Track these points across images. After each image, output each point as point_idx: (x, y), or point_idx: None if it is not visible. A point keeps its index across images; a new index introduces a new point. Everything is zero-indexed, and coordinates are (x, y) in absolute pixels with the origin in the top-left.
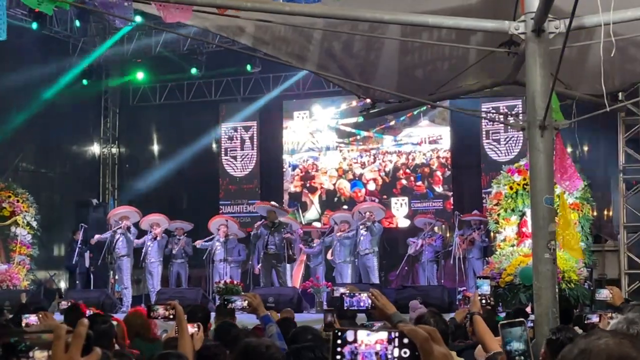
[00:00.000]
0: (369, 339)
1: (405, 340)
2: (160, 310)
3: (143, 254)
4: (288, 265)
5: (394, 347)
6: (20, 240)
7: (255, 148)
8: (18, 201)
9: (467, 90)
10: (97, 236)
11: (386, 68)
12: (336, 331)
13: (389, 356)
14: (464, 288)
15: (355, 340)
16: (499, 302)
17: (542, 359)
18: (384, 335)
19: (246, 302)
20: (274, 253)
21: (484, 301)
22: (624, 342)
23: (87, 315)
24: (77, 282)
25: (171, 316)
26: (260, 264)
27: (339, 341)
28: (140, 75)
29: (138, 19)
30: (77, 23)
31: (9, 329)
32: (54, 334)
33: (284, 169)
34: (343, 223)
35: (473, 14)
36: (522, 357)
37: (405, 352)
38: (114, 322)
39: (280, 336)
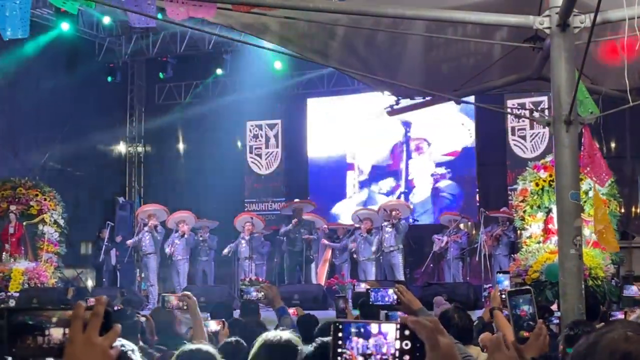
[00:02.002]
0: (370, 331)
1: (407, 332)
2: (174, 300)
3: (169, 252)
4: (313, 263)
5: (395, 339)
6: (48, 238)
7: (280, 146)
8: (45, 199)
9: (492, 86)
10: (129, 242)
11: (410, 64)
12: (336, 324)
13: (390, 348)
14: (490, 285)
15: (356, 333)
16: None
17: (561, 355)
18: (384, 327)
19: (261, 293)
20: (300, 250)
21: (503, 296)
22: (633, 337)
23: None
24: (104, 279)
25: (184, 307)
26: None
27: (339, 334)
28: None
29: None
30: (103, 22)
31: (26, 308)
32: (72, 312)
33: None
34: (366, 220)
35: (498, 9)
36: (532, 322)
37: (406, 344)
38: (143, 319)
39: (295, 327)
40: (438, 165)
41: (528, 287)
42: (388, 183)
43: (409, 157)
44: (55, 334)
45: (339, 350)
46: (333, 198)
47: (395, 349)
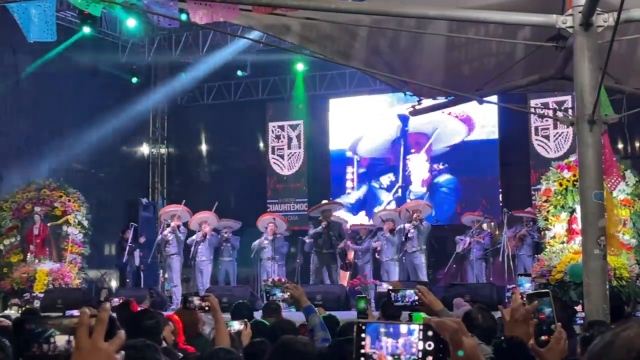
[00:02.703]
0: (393, 332)
1: (430, 333)
2: (196, 301)
3: (192, 252)
4: (339, 265)
5: (419, 339)
6: (72, 239)
7: (302, 147)
8: (69, 201)
9: (515, 86)
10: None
11: (433, 64)
12: (359, 324)
13: (413, 349)
14: (513, 286)
15: (379, 333)
16: None
17: (580, 357)
18: (408, 327)
19: (287, 294)
20: (328, 253)
21: (524, 299)
22: None
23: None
24: (128, 280)
25: (207, 307)
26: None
27: (362, 334)
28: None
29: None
30: (126, 24)
31: (31, 316)
32: (78, 319)
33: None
34: (389, 221)
35: (520, 8)
36: (552, 325)
37: (429, 345)
38: (170, 320)
39: (324, 326)
40: (435, 160)
41: (547, 290)
42: (388, 178)
43: (407, 152)
44: (61, 341)
45: (362, 351)
46: (335, 193)
47: (418, 350)
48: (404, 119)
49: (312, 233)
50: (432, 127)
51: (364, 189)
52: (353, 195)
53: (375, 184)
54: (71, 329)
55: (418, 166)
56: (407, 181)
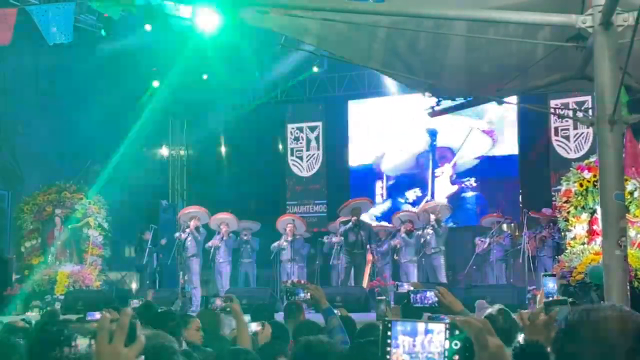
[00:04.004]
0: (420, 330)
1: (456, 332)
2: (217, 302)
3: (212, 254)
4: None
5: (445, 338)
6: (92, 241)
7: (320, 148)
8: (90, 203)
9: (535, 86)
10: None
11: (452, 65)
12: (386, 322)
13: (440, 347)
14: (534, 287)
15: (405, 331)
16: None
17: None
18: (434, 326)
19: (309, 294)
20: (359, 252)
21: (550, 299)
22: (618, 307)
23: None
24: (148, 282)
25: (228, 309)
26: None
27: (389, 332)
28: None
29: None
30: (145, 27)
31: (53, 319)
32: (98, 324)
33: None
34: (408, 222)
35: (540, 8)
36: None
37: (456, 344)
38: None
39: (343, 329)
40: (462, 176)
41: (564, 297)
42: (414, 193)
43: (435, 166)
44: (82, 345)
45: (387, 348)
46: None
47: (445, 348)
48: (432, 134)
49: (341, 230)
50: (457, 141)
51: (388, 203)
52: (378, 207)
53: (400, 199)
54: (93, 332)
55: (443, 180)
56: (433, 195)
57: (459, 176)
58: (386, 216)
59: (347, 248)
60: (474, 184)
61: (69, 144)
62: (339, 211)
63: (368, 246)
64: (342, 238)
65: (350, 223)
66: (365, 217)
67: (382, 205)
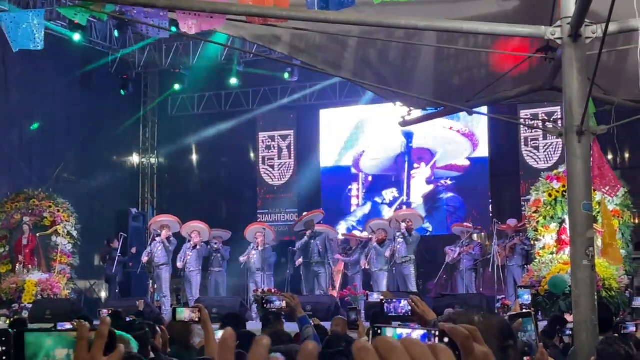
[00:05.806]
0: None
1: (445, 340)
2: (186, 312)
3: (182, 263)
4: (327, 274)
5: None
6: (61, 249)
7: (292, 157)
8: (59, 211)
9: (505, 97)
10: (144, 258)
11: (422, 75)
12: (375, 328)
13: None
14: (503, 296)
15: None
16: (539, 310)
17: None
18: (422, 334)
19: (284, 302)
20: (317, 261)
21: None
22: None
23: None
24: (117, 290)
25: (197, 319)
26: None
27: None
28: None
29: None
30: (116, 33)
31: (31, 330)
32: (77, 333)
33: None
34: (380, 231)
35: (509, 20)
36: (534, 343)
37: None
38: (158, 329)
39: (317, 338)
40: (441, 177)
41: (529, 311)
42: (391, 193)
43: (410, 167)
44: (60, 355)
45: None
46: (342, 210)
47: None
48: (408, 136)
49: (298, 246)
50: (436, 143)
51: (368, 205)
52: (358, 212)
53: (378, 199)
54: (71, 342)
55: (419, 181)
56: (409, 196)
57: (437, 177)
58: (366, 220)
59: (305, 260)
60: (449, 182)
61: (38, 150)
62: (292, 228)
63: (337, 255)
64: (302, 252)
65: (305, 237)
66: (342, 226)
67: (361, 209)
